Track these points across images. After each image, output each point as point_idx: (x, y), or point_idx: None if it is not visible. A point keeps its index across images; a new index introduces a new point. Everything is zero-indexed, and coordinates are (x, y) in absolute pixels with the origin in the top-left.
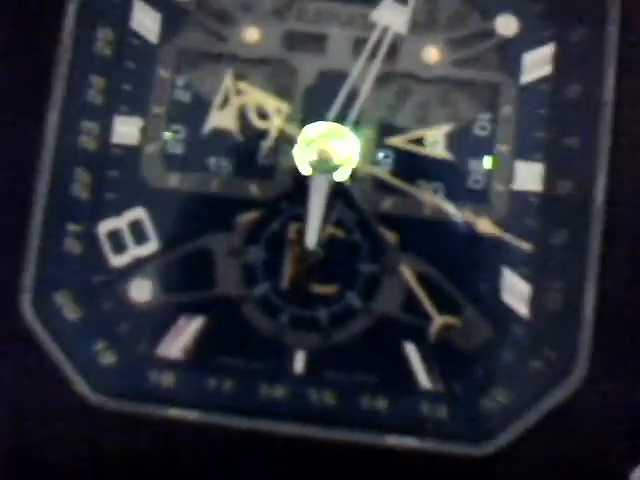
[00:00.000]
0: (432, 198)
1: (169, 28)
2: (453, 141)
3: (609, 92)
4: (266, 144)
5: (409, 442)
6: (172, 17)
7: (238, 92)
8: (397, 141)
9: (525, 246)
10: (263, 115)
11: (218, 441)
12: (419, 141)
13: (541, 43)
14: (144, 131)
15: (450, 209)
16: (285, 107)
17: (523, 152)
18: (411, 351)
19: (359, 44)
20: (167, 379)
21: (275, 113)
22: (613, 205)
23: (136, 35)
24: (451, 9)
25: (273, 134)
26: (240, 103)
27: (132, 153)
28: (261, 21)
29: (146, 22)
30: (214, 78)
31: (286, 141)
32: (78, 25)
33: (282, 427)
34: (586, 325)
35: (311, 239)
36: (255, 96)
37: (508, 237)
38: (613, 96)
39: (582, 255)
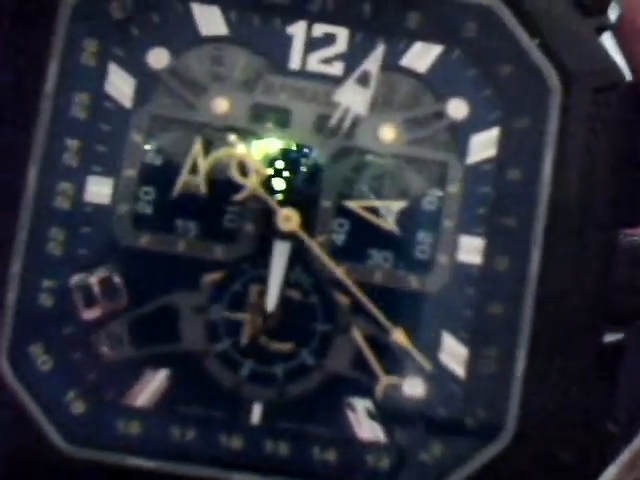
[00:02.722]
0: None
1: (143, 93)
2: (404, 214)
3: (546, 178)
4: (238, 197)
5: None
6: (146, 83)
7: (206, 156)
8: (354, 205)
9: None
10: (243, 172)
11: None
12: (374, 211)
13: (487, 127)
14: (116, 191)
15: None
16: (264, 171)
17: (466, 227)
18: (357, 405)
19: (321, 120)
20: (133, 428)
21: (254, 172)
22: (545, 279)
23: (111, 99)
24: (407, 91)
25: (248, 192)
26: (208, 167)
27: (104, 212)
28: (230, 92)
29: (121, 87)
30: (184, 143)
31: (253, 205)
32: (57, 92)
33: (238, 476)
34: (515, 389)
35: (271, 302)
36: (243, 153)
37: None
38: (550, 181)
39: (515, 325)
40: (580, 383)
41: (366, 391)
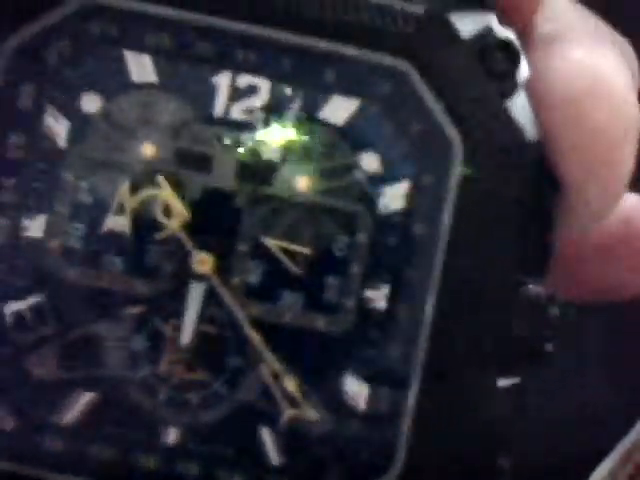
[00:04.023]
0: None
1: (75, 135)
2: (315, 259)
3: (445, 234)
4: (158, 244)
5: None
6: (79, 125)
7: (134, 196)
8: (271, 244)
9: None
10: (167, 214)
11: None
12: (287, 254)
13: (398, 181)
14: (48, 227)
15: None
16: (185, 214)
17: (372, 274)
18: (265, 434)
19: (241, 167)
20: (57, 445)
21: (176, 214)
22: (439, 326)
23: (45, 140)
24: (323, 143)
25: (167, 233)
26: (135, 208)
27: (37, 246)
28: (157, 138)
29: (55, 128)
30: (113, 184)
31: (173, 246)
32: None
33: None
34: (406, 425)
35: (185, 336)
36: (168, 195)
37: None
38: (447, 237)
39: (410, 367)
40: (471, 423)
41: (272, 421)
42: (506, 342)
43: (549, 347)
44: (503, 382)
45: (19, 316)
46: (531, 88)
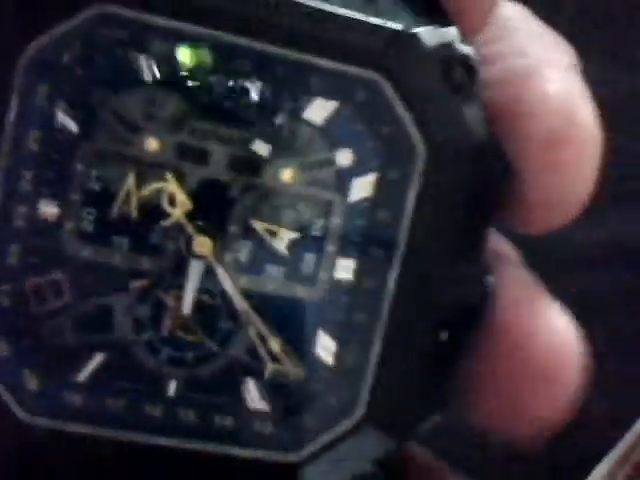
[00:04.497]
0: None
1: (86, 129)
2: (296, 238)
3: (406, 220)
4: (161, 227)
5: (243, 452)
6: (89, 120)
7: (139, 188)
8: (259, 226)
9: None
10: (172, 203)
11: (108, 452)
12: (272, 234)
13: (366, 173)
14: (63, 211)
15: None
16: (188, 204)
17: (343, 251)
18: (250, 384)
19: (234, 160)
20: (76, 400)
21: (180, 205)
22: (398, 296)
23: (59, 134)
24: (305, 140)
25: (172, 221)
26: (141, 196)
27: (53, 228)
28: (160, 133)
29: (68, 124)
30: (120, 173)
31: (175, 230)
32: (16, 127)
33: (160, 440)
34: (368, 377)
35: (186, 306)
36: (173, 188)
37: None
38: (409, 225)
39: (373, 328)
40: (419, 375)
41: (257, 374)
42: (447, 304)
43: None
44: (443, 336)
45: (38, 290)
46: (507, 119)
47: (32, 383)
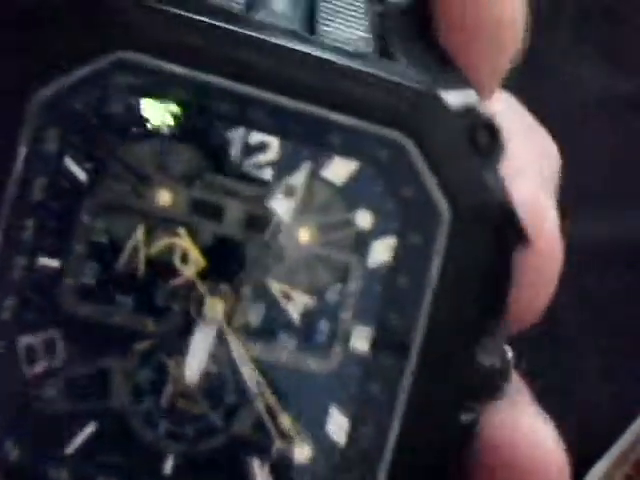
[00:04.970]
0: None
1: (94, 179)
2: (310, 304)
3: (429, 289)
4: (170, 286)
5: None
6: (98, 170)
7: (148, 244)
8: (275, 288)
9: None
10: (184, 260)
11: None
12: (288, 297)
13: (386, 236)
14: (64, 264)
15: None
16: (202, 262)
17: (359, 319)
18: (255, 463)
19: (250, 218)
20: (62, 475)
21: (193, 263)
22: (419, 372)
23: (65, 182)
24: (323, 200)
25: (184, 279)
26: (150, 252)
27: (52, 282)
28: (172, 186)
29: (75, 172)
30: (128, 227)
31: (185, 290)
32: (23, 174)
33: None
34: (386, 457)
35: (192, 374)
36: (187, 244)
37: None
38: (432, 294)
39: (390, 404)
40: (438, 456)
41: (263, 452)
42: (470, 382)
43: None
44: (464, 417)
45: (30, 349)
46: None
47: (13, 454)
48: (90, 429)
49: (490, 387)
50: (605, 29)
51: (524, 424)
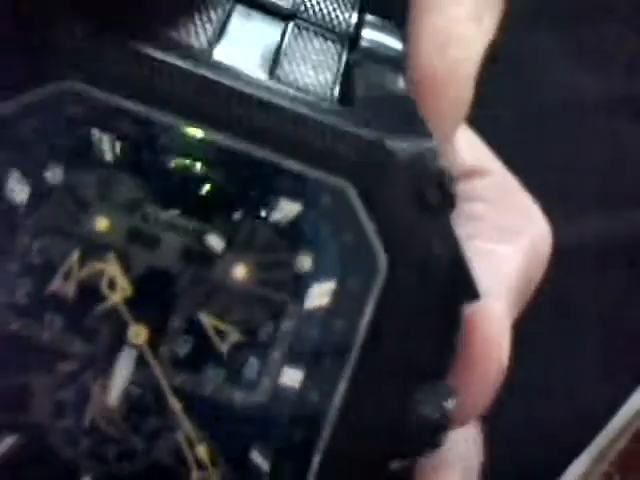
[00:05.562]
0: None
1: (35, 202)
2: (241, 340)
3: (363, 332)
4: (98, 310)
5: None
6: (39, 194)
7: (82, 267)
8: (205, 321)
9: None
10: (112, 286)
11: None
12: (219, 332)
13: (325, 280)
14: None
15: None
16: (129, 290)
17: (292, 359)
18: None
19: (185, 251)
20: None
21: (120, 290)
22: (345, 414)
23: (6, 202)
24: (264, 240)
25: (109, 305)
26: (81, 277)
27: None
28: (111, 214)
29: (18, 194)
30: (63, 251)
31: (112, 315)
32: None
33: None
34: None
35: (113, 397)
36: (115, 270)
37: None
38: (365, 335)
39: (311, 450)
40: None
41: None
42: (399, 432)
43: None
44: (393, 465)
45: None
46: None
47: None
48: (9, 441)
49: (424, 437)
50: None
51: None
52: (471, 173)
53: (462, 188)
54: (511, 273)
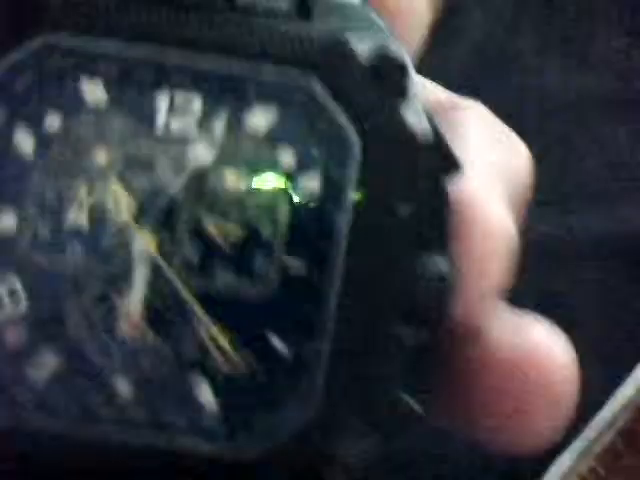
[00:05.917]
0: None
1: (40, 150)
2: (245, 238)
3: (349, 212)
4: (110, 231)
5: (195, 449)
6: (44, 140)
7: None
8: (210, 228)
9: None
10: (117, 207)
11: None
12: (222, 235)
13: (311, 172)
14: (19, 223)
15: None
16: (134, 207)
17: (292, 249)
18: (202, 383)
19: (178, 167)
20: (29, 402)
21: (126, 208)
22: (348, 285)
23: (16, 154)
24: (248, 146)
25: (119, 224)
26: (91, 205)
27: (11, 240)
28: (109, 147)
29: (24, 145)
30: (72, 187)
31: (124, 233)
32: None
33: (110, 436)
34: (323, 367)
35: (136, 308)
36: (118, 193)
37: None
38: (352, 215)
39: (322, 326)
40: (380, 375)
41: (210, 372)
42: (401, 300)
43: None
44: (402, 331)
45: None
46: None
47: None
48: (53, 358)
49: (428, 302)
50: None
51: (533, 332)
52: (454, 105)
53: (450, 117)
54: (494, 162)
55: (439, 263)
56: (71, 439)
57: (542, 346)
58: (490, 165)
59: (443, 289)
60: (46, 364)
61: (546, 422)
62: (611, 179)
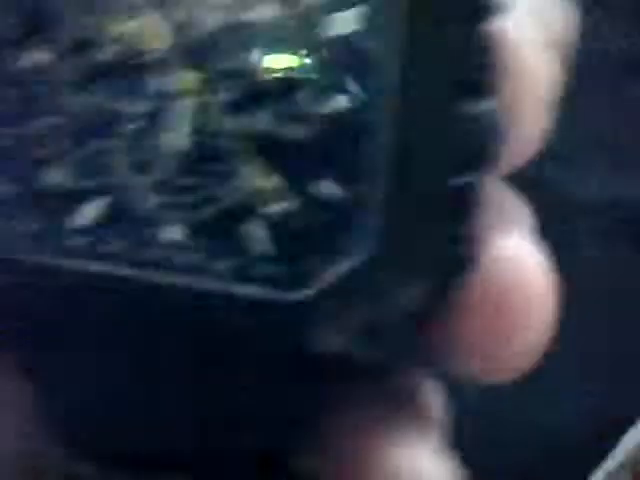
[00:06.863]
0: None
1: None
2: (285, 74)
3: (397, 49)
4: (148, 67)
5: (245, 291)
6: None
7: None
8: (246, 63)
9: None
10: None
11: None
12: (263, 71)
13: (347, 7)
14: (56, 60)
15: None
16: (170, 41)
17: (337, 84)
18: (251, 224)
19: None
20: (77, 243)
21: (162, 42)
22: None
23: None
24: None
25: (156, 58)
26: (127, 39)
27: (47, 76)
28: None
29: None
30: (104, 23)
31: (161, 68)
32: None
33: (157, 278)
34: (379, 214)
35: (180, 146)
36: (154, 25)
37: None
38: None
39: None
40: (434, 217)
41: (258, 213)
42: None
43: None
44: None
45: (39, 134)
46: None
47: (33, 226)
48: (97, 203)
49: (472, 143)
50: None
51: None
52: None
53: None
54: None
55: (484, 106)
56: (118, 282)
57: (524, 272)
58: (528, 9)
59: (488, 128)
60: (90, 206)
61: (521, 346)
62: None
